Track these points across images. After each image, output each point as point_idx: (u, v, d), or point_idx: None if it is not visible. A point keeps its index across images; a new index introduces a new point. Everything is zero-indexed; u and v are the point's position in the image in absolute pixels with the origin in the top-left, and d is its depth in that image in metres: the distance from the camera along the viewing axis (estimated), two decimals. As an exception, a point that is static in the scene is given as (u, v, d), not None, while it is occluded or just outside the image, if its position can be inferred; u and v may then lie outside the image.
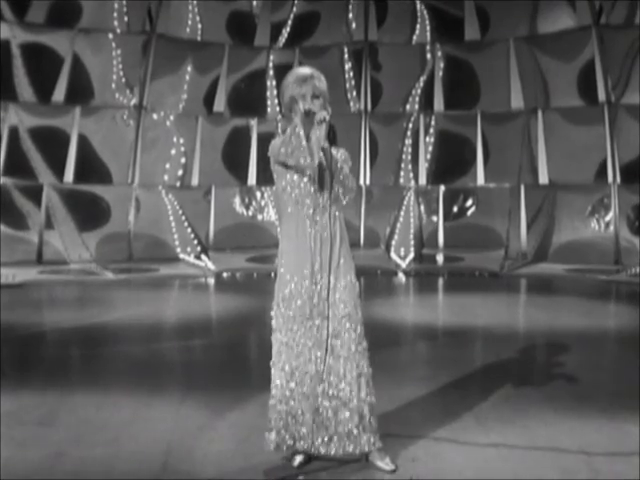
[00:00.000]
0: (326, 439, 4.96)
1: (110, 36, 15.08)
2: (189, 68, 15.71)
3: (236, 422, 6.08)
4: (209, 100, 15.95)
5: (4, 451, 5.43)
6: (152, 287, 12.84)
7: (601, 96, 15.02)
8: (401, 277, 13.99)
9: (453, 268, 14.58)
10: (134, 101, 15.31)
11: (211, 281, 13.52)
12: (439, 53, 16.23)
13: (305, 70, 5.12)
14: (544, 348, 9.02)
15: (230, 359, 8.29)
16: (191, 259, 14.94)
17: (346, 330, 4.95)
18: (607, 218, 15.22)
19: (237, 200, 16.35)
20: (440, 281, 13.73)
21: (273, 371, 5.01)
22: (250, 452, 5.39)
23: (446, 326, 10.22)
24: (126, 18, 15.17)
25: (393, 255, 15.01)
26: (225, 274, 13.87)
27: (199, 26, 15.89)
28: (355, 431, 4.95)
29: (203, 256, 14.92)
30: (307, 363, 4.92)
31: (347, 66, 16.51)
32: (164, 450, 5.47)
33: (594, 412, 6.41)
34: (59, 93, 14.73)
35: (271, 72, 16.38)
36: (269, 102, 16.40)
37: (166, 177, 15.66)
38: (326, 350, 4.89)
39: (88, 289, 12.52)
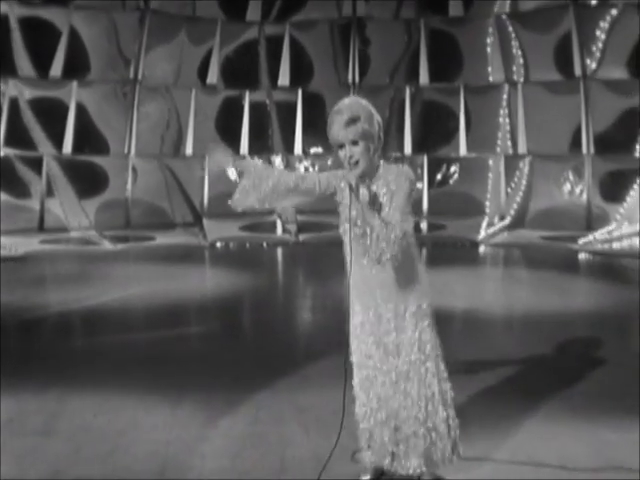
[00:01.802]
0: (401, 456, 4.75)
1: (106, 13, 14.68)
2: (183, 39, 15.34)
3: (229, 431, 5.80)
4: (203, 72, 15.61)
5: (3, 467, 5.17)
6: (149, 260, 12.50)
7: (577, 70, 14.87)
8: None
9: (436, 237, 14.28)
10: (130, 74, 14.97)
11: (205, 252, 13.23)
12: (424, 28, 15.88)
13: (347, 112, 4.49)
14: (521, 335, 8.71)
15: (223, 351, 7.92)
16: (186, 226, 14.78)
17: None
18: (580, 186, 15.17)
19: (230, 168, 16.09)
20: (424, 252, 13.55)
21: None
22: (244, 469, 5.15)
23: None
24: (124, -1, 14.77)
25: (378, 222, 14.83)
26: (219, 244, 13.60)
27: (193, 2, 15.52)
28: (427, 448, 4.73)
29: (198, 224, 14.76)
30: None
31: (336, 40, 16.09)
32: (159, 470, 5.17)
33: (572, 416, 6.17)
34: (57, 67, 14.33)
35: (263, 43, 16.05)
36: (261, 73, 16.08)
37: (161, 147, 15.35)
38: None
39: (87, 263, 12.17)
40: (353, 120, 4.43)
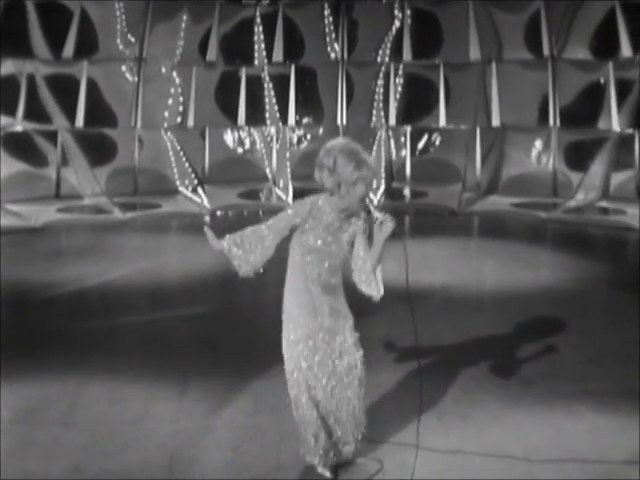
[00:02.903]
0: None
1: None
2: (184, 18, 15.30)
3: (231, 422, 5.96)
4: (203, 49, 15.57)
5: (29, 462, 5.34)
6: (156, 230, 12.70)
7: (545, 50, 15.04)
8: (374, 217, 13.81)
9: (418, 205, 14.52)
10: (136, 53, 14.96)
11: (207, 220, 13.37)
12: (408, 10, 15.85)
13: (362, 150, 4.77)
14: (488, 316, 8.70)
15: (224, 333, 7.99)
16: (189, 193, 14.87)
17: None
18: (547, 155, 15.34)
19: (229, 138, 16.16)
20: (407, 221, 13.66)
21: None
22: (245, 462, 5.31)
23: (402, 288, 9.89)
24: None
25: (368, 187, 15.01)
26: (219, 212, 13.71)
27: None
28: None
29: (199, 190, 14.84)
30: None
31: (327, 19, 16.05)
32: (167, 463, 5.33)
33: (535, 403, 6.29)
34: (69, 48, 14.35)
35: (258, 20, 15.96)
36: (256, 49, 16.02)
37: (166, 119, 15.39)
38: None
39: (99, 233, 12.36)
40: (366, 160, 4.74)
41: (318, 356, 4.87)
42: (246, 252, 4.86)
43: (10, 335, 7.74)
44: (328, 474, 5.06)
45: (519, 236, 12.35)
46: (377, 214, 4.78)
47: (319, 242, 4.79)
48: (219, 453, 5.50)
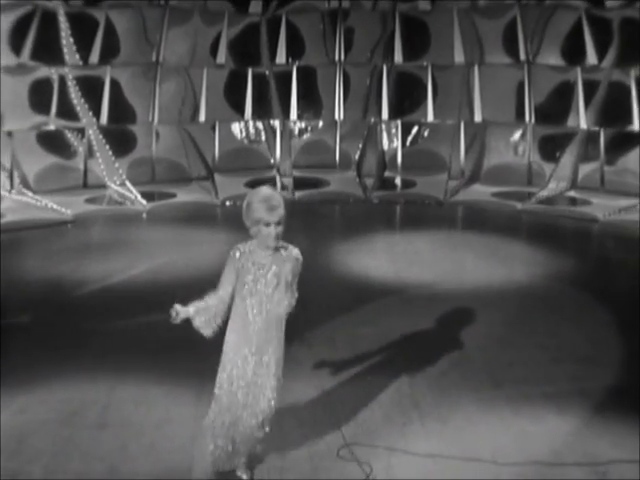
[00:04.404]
0: None
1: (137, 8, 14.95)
2: (197, 25, 15.47)
3: None
4: (214, 51, 15.75)
5: (72, 463, 5.54)
6: (173, 222, 12.87)
7: (522, 55, 15.30)
8: (368, 206, 14.11)
9: (408, 195, 14.73)
10: (153, 57, 15.17)
11: (218, 211, 13.63)
12: (398, 16, 16.03)
13: (275, 198, 4.96)
14: (470, 314, 8.52)
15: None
16: (200, 181, 15.16)
17: None
18: (523, 147, 15.62)
19: (236, 130, 16.40)
20: (397, 212, 13.91)
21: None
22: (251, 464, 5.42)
23: (386, 283, 9.82)
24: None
25: (362, 177, 15.43)
26: (228, 203, 13.93)
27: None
28: None
29: (210, 179, 15.12)
30: None
31: (326, 26, 16.34)
32: (187, 466, 5.47)
33: (504, 407, 6.40)
34: (94, 55, 14.56)
35: (264, 25, 16.10)
36: (262, 51, 16.18)
37: (180, 115, 15.62)
38: None
39: (122, 225, 12.53)
40: (279, 206, 4.92)
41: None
42: (211, 318, 5.14)
43: (47, 335, 7.93)
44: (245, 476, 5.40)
45: (497, 228, 12.46)
46: (285, 252, 5.02)
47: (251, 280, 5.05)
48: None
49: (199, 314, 5.11)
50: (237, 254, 5.07)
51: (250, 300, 5.05)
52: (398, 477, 5.45)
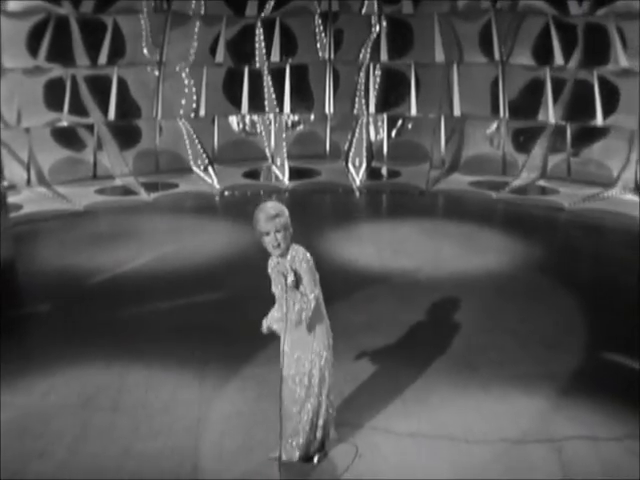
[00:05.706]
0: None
1: (142, 14, 15.00)
2: (197, 27, 15.54)
3: (241, 409, 6.11)
4: (213, 51, 15.82)
5: (91, 445, 5.67)
6: (176, 211, 12.94)
7: (496, 55, 15.45)
8: (356, 195, 14.21)
9: (393, 185, 14.82)
10: (157, 57, 15.26)
11: (217, 200, 13.71)
12: (384, 18, 16.13)
13: (272, 210, 5.05)
14: (448, 302, 8.57)
15: (226, 319, 7.90)
16: (201, 172, 15.23)
17: None
18: (498, 139, 15.78)
19: (234, 123, 16.51)
20: (384, 200, 14.06)
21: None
22: (251, 446, 5.50)
23: (372, 271, 9.87)
24: (153, 3, 15.08)
25: (350, 167, 15.51)
26: (226, 192, 14.03)
27: (203, 3, 15.70)
28: None
29: (210, 169, 15.19)
30: None
31: (317, 27, 16.39)
32: (193, 446, 5.55)
33: (477, 387, 6.51)
34: (103, 57, 14.66)
35: (259, 25, 16.14)
36: (257, 49, 16.22)
37: (181, 111, 15.70)
38: None
39: (129, 215, 12.57)
40: (276, 215, 5.01)
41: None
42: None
43: (65, 323, 8.04)
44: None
45: (474, 217, 12.49)
46: (291, 255, 5.06)
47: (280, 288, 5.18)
48: (231, 438, 5.70)
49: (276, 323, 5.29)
50: (270, 264, 5.20)
51: (285, 304, 5.16)
52: (381, 454, 5.62)
